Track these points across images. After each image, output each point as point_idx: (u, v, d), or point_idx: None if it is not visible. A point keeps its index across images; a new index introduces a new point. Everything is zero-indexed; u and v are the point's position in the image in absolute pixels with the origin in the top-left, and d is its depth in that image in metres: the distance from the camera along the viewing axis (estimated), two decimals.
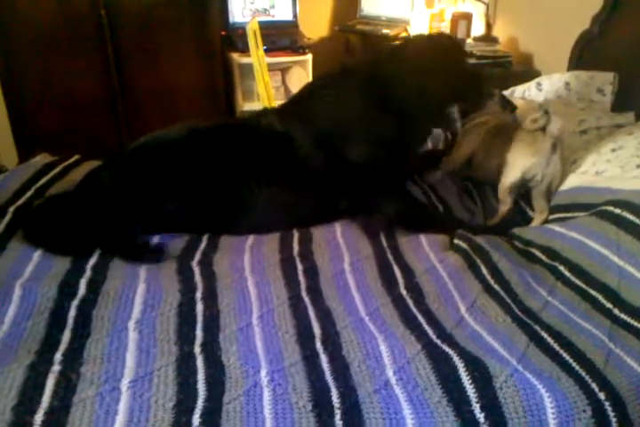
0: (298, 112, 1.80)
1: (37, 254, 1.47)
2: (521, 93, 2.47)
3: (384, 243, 1.58)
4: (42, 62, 3.28)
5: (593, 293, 1.37)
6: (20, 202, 1.73)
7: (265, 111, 1.94)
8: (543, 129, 1.80)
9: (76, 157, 2.09)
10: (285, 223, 1.67)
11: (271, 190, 1.68)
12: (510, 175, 1.80)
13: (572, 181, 1.76)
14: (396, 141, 1.78)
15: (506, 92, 2.51)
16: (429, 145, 2.23)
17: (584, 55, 2.48)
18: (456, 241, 1.57)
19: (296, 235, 1.63)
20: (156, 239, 1.62)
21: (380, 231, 1.65)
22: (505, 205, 1.82)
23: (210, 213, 1.68)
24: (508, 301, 1.34)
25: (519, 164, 1.78)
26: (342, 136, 1.74)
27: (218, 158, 1.69)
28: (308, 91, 1.90)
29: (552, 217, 1.73)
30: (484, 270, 1.44)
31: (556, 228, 1.58)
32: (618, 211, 1.47)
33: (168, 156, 1.67)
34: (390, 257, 1.51)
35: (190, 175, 1.65)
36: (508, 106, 2.03)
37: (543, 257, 1.52)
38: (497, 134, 1.91)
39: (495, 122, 1.97)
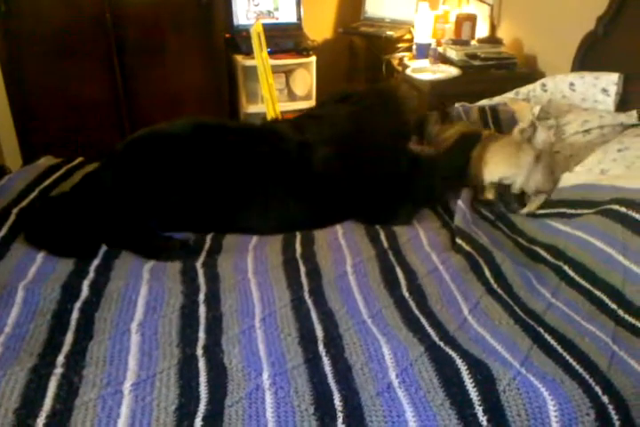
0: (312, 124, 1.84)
1: (40, 256, 1.48)
2: (525, 94, 2.47)
3: (385, 244, 1.58)
4: (46, 65, 3.29)
5: (597, 293, 1.36)
6: (23, 203, 1.74)
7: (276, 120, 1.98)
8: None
9: (79, 160, 2.10)
10: (284, 228, 1.67)
11: (277, 196, 1.68)
12: (489, 176, 1.84)
13: (576, 179, 1.76)
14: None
15: (510, 94, 2.51)
16: None
17: (588, 57, 2.47)
18: (458, 241, 1.57)
19: (298, 236, 1.63)
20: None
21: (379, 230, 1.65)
22: (490, 194, 1.84)
23: (214, 209, 1.67)
24: (511, 303, 1.34)
25: (499, 170, 1.82)
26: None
27: (223, 155, 1.68)
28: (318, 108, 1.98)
29: (555, 211, 1.72)
30: (487, 273, 1.43)
31: (561, 226, 1.57)
32: (624, 210, 1.46)
33: (171, 149, 1.67)
34: (392, 259, 1.51)
35: (195, 169, 1.65)
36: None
37: (548, 256, 1.51)
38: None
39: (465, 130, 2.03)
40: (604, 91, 2.23)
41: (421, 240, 1.60)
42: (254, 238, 1.63)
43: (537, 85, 2.44)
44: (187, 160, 1.64)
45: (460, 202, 1.75)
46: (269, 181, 1.68)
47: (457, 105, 2.38)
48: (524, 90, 2.47)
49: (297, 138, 1.76)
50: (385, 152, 1.81)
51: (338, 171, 1.72)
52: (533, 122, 1.87)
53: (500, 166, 1.83)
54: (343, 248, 1.55)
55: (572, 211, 1.66)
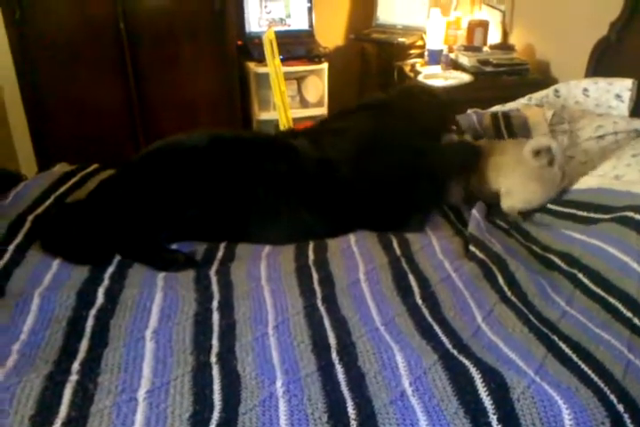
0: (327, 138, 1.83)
1: (56, 263, 1.49)
2: (538, 100, 2.46)
3: (397, 251, 1.58)
4: (61, 73, 3.33)
5: (612, 301, 1.35)
6: (39, 210, 1.75)
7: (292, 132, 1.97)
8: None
9: (94, 166, 2.11)
10: (300, 239, 1.67)
11: (292, 208, 1.68)
12: (517, 203, 1.80)
13: (589, 182, 1.75)
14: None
15: (522, 100, 2.50)
16: None
17: (601, 63, 2.46)
18: (472, 248, 1.57)
19: (311, 244, 1.63)
20: (174, 248, 1.63)
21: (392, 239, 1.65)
22: (519, 218, 1.80)
23: (229, 221, 1.68)
24: (525, 311, 1.33)
25: (530, 198, 1.79)
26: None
27: (239, 169, 1.68)
28: (333, 120, 1.98)
29: (564, 210, 1.71)
30: (501, 281, 1.43)
31: (577, 235, 1.56)
32: (638, 217, 1.45)
33: (188, 162, 1.67)
34: (405, 266, 1.50)
35: (211, 183, 1.65)
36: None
37: (562, 264, 1.50)
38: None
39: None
40: (618, 96, 2.22)
41: (434, 248, 1.60)
42: (267, 247, 1.64)
43: (550, 91, 2.43)
44: (201, 174, 1.65)
45: (474, 211, 1.74)
46: (284, 195, 1.68)
47: (469, 111, 2.38)
48: (536, 96, 2.47)
49: (316, 155, 1.76)
50: (404, 163, 1.80)
51: (358, 187, 1.73)
52: (550, 146, 1.76)
53: (530, 195, 1.78)
54: (356, 255, 1.55)
55: (582, 213, 1.65)
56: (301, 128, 2.06)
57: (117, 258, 1.54)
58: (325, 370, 1.13)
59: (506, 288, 1.41)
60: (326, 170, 1.72)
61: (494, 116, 2.31)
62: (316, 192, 1.71)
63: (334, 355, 1.17)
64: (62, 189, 1.89)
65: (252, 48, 3.60)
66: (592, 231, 1.54)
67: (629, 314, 1.31)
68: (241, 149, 1.72)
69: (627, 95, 2.20)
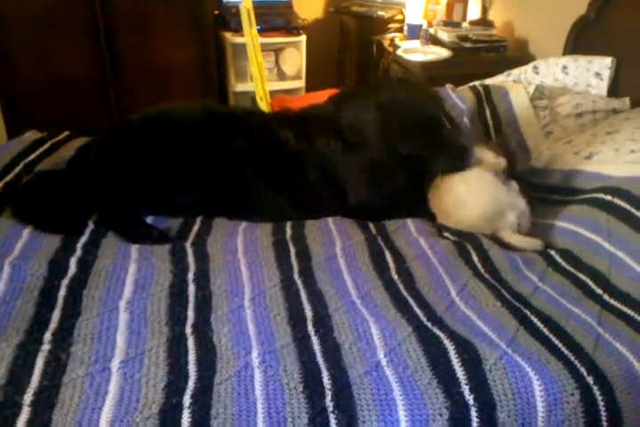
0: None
1: (26, 232, 1.46)
2: (517, 76, 2.46)
3: (373, 231, 1.58)
4: (33, 41, 3.23)
5: (583, 278, 1.38)
6: (8, 178, 1.71)
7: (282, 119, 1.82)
8: None
9: (65, 134, 2.07)
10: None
11: (277, 200, 1.66)
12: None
13: (563, 161, 1.76)
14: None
15: (501, 76, 2.50)
16: None
17: (580, 41, 2.47)
18: (445, 234, 1.57)
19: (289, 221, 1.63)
20: (149, 220, 1.61)
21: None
22: None
23: (218, 208, 1.66)
24: (498, 286, 1.35)
25: None
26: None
27: (233, 152, 1.65)
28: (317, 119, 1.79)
29: (536, 195, 1.72)
30: (475, 258, 1.44)
31: (548, 220, 1.59)
32: (609, 198, 1.48)
33: (181, 139, 1.63)
34: (381, 243, 1.51)
35: (205, 166, 1.62)
36: None
37: None
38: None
39: None
40: (598, 75, 2.23)
41: (409, 228, 1.60)
42: (244, 222, 1.62)
43: (529, 68, 2.43)
44: (193, 157, 1.62)
45: None
46: (266, 182, 1.66)
47: (447, 86, 2.37)
48: (515, 71, 2.47)
49: (297, 149, 1.70)
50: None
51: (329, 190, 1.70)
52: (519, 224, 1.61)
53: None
54: (333, 232, 1.55)
55: (554, 197, 1.66)
56: (289, 114, 1.91)
57: (90, 228, 1.52)
58: (301, 341, 1.14)
59: (479, 265, 1.42)
60: (303, 166, 1.69)
61: (473, 88, 2.29)
62: (294, 185, 1.69)
63: (310, 327, 1.18)
64: (32, 157, 1.85)
65: (228, 17, 3.53)
66: (563, 215, 1.57)
67: (600, 291, 1.34)
68: (232, 132, 1.68)
69: (606, 73, 2.21)
